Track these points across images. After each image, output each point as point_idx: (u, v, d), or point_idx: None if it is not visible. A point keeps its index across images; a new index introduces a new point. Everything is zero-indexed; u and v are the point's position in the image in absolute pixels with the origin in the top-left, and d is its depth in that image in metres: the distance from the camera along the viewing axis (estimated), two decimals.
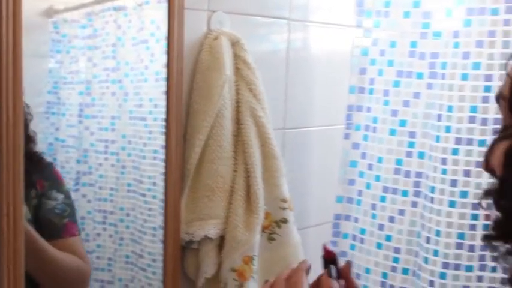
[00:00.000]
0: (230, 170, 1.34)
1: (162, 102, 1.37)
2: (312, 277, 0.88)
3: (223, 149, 1.32)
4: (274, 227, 1.42)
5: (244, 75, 1.36)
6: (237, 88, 1.36)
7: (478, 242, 1.47)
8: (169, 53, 1.27)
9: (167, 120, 1.28)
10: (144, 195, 1.43)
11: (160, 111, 1.40)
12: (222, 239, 1.34)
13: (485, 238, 0.69)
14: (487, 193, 0.68)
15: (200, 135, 1.30)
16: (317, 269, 1.49)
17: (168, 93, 1.28)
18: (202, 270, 1.33)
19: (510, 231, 0.65)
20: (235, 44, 1.36)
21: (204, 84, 1.32)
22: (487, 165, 0.70)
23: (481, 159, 1.44)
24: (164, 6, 1.30)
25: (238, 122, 1.36)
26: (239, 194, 1.34)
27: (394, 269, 1.61)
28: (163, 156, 1.35)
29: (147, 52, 1.41)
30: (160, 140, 1.37)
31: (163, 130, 1.35)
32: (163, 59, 1.34)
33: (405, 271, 1.59)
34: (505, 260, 0.71)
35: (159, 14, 1.35)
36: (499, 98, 0.71)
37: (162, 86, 1.35)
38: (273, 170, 1.39)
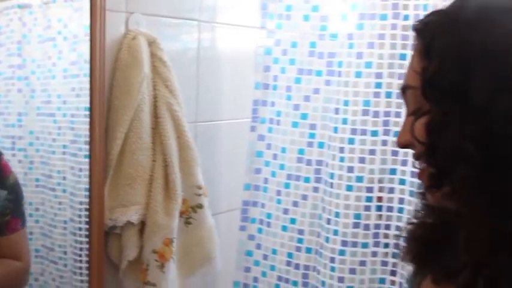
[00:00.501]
0: (149, 160, 1.44)
1: (71, 99, 1.45)
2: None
3: (142, 141, 1.42)
4: (190, 212, 1.53)
5: (161, 73, 1.46)
6: (154, 84, 1.46)
7: (372, 222, 1.64)
8: (92, 51, 1.35)
9: (91, 115, 1.37)
10: (53, 189, 1.48)
11: (69, 108, 1.46)
12: (143, 224, 1.44)
13: (424, 189, 0.85)
14: (417, 157, 0.83)
15: (121, 128, 1.39)
16: (228, 252, 1.63)
17: (91, 89, 1.36)
18: (125, 253, 1.43)
19: (441, 181, 0.78)
20: (151, 43, 1.46)
21: (123, 81, 1.41)
22: (401, 142, 0.86)
23: (374, 147, 1.62)
24: (72, 5, 1.37)
25: (155, 115, 1.46)
26: (158, 182, 1.44)
27: (298, 249, 1.76)
28: (72, 151, 1.43)
29: (54, 50, 1.45)
30: (70, 136, 1.45)
31: (72, 126, 1.43)
32: (72, 56, 1.42)
33: (308, 250, 1.74)
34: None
35: (66, 13, 1.42)
36: (404, 89, 0.85)
37: (71, 82, 1.42)
38: (188, 159, 1.51)
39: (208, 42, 1.74)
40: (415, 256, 0.96)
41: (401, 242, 0.99)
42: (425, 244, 0.93)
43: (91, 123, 1.37)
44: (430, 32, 0.81)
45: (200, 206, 1.54)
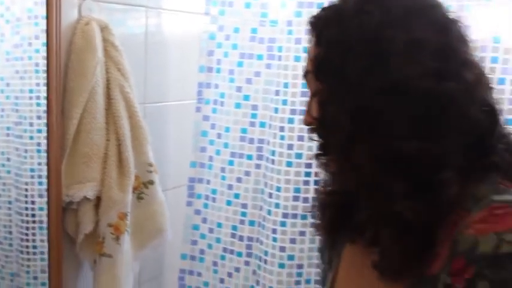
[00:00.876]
0: (103, 139, 1.52)
1: (15, 81, 1.51)
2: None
3: (97, 121, 1.50)
4: (142, 188, 1.63)
5: (113, 57, 1.54)
6: (107, 68, 1.54)
7: (311, 195, 1.77)
8: (48, 36, 1.42)
9: (48, 97, 1.44)
10: None
11: (12, 90, 1.52)
12: (98, 200, 1.52)
13: (315, 157, 0.99)
14: (310, 132, 0.99)
15: (76, 109, 1.47)
16: (176, 226, 1.72)
17: (48, 72, 1.43)
18: (82, 227, 1.51)
19: (327, 149, 0.96)
20: (103, 29, 1.54)
21: (78, 64, 1.48)
22: (306, 120, 1.01)
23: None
24: None
25: (108, 97, 1.54)
26: (112, 160, 1.52)
27: (242, 222, 1.87)
28: (17, 133, 1.48)
29: None
30: (13, 117, 1.51)
31: (16, 108, 1.49)
32: (15, 39, 1.47)
33: (252, 223, 1.86)
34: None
35: None
36: (305, 74, 1.01)
37: (14, 65, 1.46)
38: (140, 138, 1.60)
39: (155, 27, 1.82)
40: (328, 223, 1.10)
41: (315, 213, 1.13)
42: (335, 209, 1.08)
43: (48, 104, 1.44)
44: (320, 25, 0.97)
45: (151, 182, 1.63)
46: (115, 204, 1.51)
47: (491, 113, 0.92)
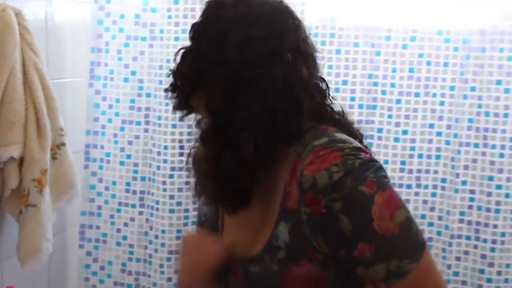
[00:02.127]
0: (23, 108, 1.78)
1: None
2: None
3: (17, 93, 1.75)
4: (56, 149, 1.91)
5: (27, 39, 1.80)
6: (22, 48, 1.79)
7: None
8: None
9: None
10: None
11: None
12: (21, 160, 1.80)
13: (173, 108, 1.29)
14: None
15: (1, 83, 1.74)
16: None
17: None
18: (8, 183, 1.77)
19: (186, 103, 1.24)
20: (17, 14, 1.79)
21: (0, 46, 1.75)
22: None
23: None
24: None
25: (25, 73, 1.79)
26: (32, 126, 1.79)
27: (135, 178, 2.20)
28: None
29: None
30: None
31: None
32: None
33: (143, 178, 2.20)
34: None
35: None
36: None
37: None
38: (52, 107, 1.86)
39: (53, 14, 2.09)
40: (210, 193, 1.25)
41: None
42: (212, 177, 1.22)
43: None
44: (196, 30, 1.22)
45: (63, 144, 1.92)
46: (37, 162, 1.78)
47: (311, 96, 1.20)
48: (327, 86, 1.27)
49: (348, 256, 1.09)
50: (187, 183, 2.14)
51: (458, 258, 2.04)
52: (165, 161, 2.14)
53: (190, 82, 1.21)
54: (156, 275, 2.18)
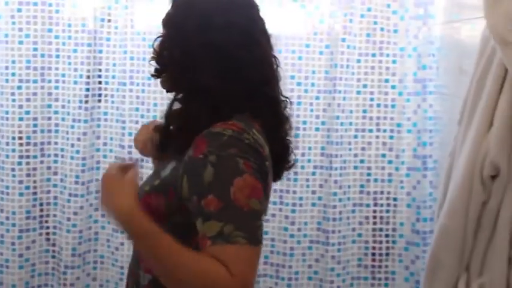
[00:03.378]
0: None
1: None
2: None
3: None
4: None
5: None
6: None
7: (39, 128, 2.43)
8: None
9: None
10: None
11: None
12: None
13: (153, 76, 1.44)
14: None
15: None
16: None
17: None
18: None
19: (162, 73, 1.42)
20: None
21: None
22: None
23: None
24: None
25: None
26: None
27: None
28: None
29: None
30: None
31: None
32: None
33: None
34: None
35: None
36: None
37: None
38: None
39: None
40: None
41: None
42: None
43: None
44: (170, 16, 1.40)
45: None
46: None
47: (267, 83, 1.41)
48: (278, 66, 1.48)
49: (196, 204, 1.23)
50: (34, 169, 2.42)
51: (267, 220, 2.47)
52: (13, 150, 2.40)
53: (177, 64, 1.36)
54: (8, 252, 2.43)
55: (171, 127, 1.41)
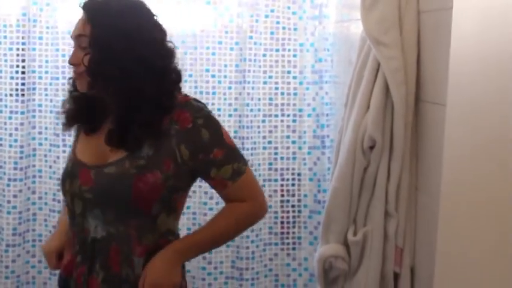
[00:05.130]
0: None
1: None
2: None
3: None
4: None
5: None
6: None
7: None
8: None
9: None
10: None
11: None
12: None
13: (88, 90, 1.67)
14: (79, 72, 1.65)
15: None
16: None
17: None
18: None
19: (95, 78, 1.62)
20: None
21: None
22: (72, 62, 1.63)
23: None
24: None
25: None
26: None
27: None
28: None
29: None
30: None
31: None
32: None
33: None
34: None
35: None
36: (78, 36, 1.60)
37: None
38: None
39: None
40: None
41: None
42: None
43: None
44: (90, 8, 1.57)
45: None
46: None
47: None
48: None
49: (205, 159, 1.61)
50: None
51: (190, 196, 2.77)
52: None
53: (119, 79, 1.56)
54: None
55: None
